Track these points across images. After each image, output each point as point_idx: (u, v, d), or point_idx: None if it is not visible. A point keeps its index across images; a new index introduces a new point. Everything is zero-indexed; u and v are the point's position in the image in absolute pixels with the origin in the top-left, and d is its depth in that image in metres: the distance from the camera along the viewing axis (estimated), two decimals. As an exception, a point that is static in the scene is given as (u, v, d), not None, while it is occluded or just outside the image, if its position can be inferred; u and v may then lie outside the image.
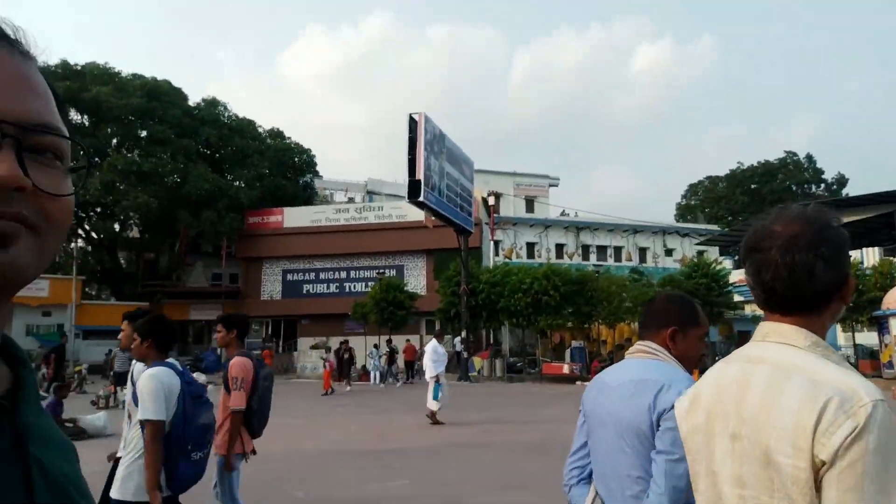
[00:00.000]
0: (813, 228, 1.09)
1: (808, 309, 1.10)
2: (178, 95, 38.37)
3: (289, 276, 37.23)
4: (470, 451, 9.48)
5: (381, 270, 32.75)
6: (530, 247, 43.01)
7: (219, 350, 36.61)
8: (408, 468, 8.21)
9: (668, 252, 44.18)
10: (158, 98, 36.36)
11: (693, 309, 2.09)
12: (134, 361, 3.74)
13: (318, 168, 44.75)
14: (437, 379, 12.50)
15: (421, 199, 21.45)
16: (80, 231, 37.18)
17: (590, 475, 2.12)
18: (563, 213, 48.05)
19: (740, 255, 1.21)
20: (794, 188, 53.08)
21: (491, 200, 31.94)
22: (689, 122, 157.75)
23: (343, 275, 36.35)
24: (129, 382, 3.69)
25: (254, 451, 4.74)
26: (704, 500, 1.15)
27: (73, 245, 35.04)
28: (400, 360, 26.58)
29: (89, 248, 38.58)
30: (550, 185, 51.16)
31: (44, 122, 0.57)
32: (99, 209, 36.27)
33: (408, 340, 27.03)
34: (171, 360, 3.31)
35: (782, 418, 0.99)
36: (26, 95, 0.56)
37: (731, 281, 29.43)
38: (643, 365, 1.99)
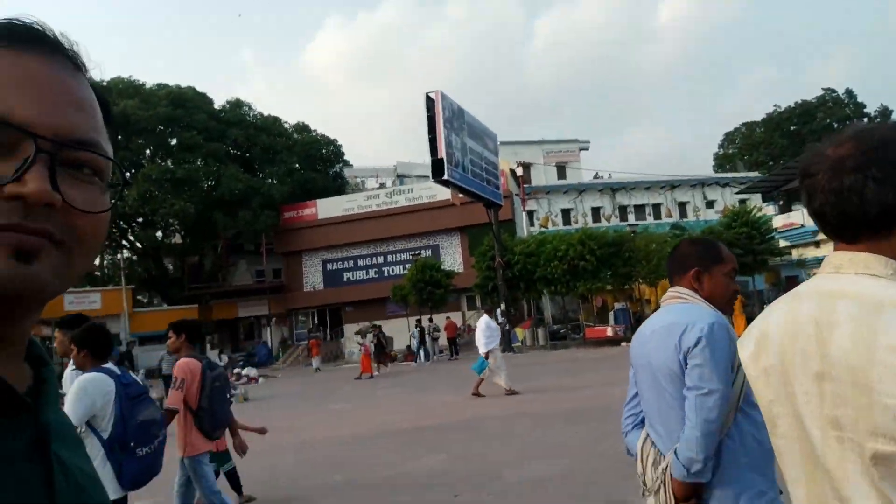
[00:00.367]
0: (863, 148, 1.01)
1: (873, 235, 1.02)
2: (203, 100, 39.05)
3: (328, 266, 37.80)
4: (508, 422, 9.52)
5: (416, 252, 32.93)
6: (566, 214, 42.45)
7: (269, 343, 37.69)
8: (446, 443, 8.30)
9: (709, 204, 42.94)
10: (184, 105, 37.09)
11: (714, 247, 2.13)
12: (67, 370, 3.88)
13: (346, 157, 45.06)
14: (485, 355, 12.47)
15: (445, 177, 21.39)
16: (124, 242, 38.50)
17: (643, 421, 2.22)
18: (596, 177, 47.17)
19: (799, 184, 1.14)
20: (835, 126, 50.80)
21: (519, 171, 31.64)
22: (721, 70, 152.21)
23: (380, 259, 36.71)
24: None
25: (244, 451, 4.92)
26: (787, 442, 1.10)
27: (119, 256, 36.33)
28: (442, 338, 26.78)
29: (135, 257, 39.94)
30: (581, 150, 50.16)
31: (82, 139, 0.56)
32: (140, 219, 37.42)
33: (448, 318, 27.20)
34: (108, 365, 3.42)
35: (886, 358, 0.91)
36: (66, 109, 0.56)
37: (774, 226, 28.53)
38: (671, 310, 2.08)
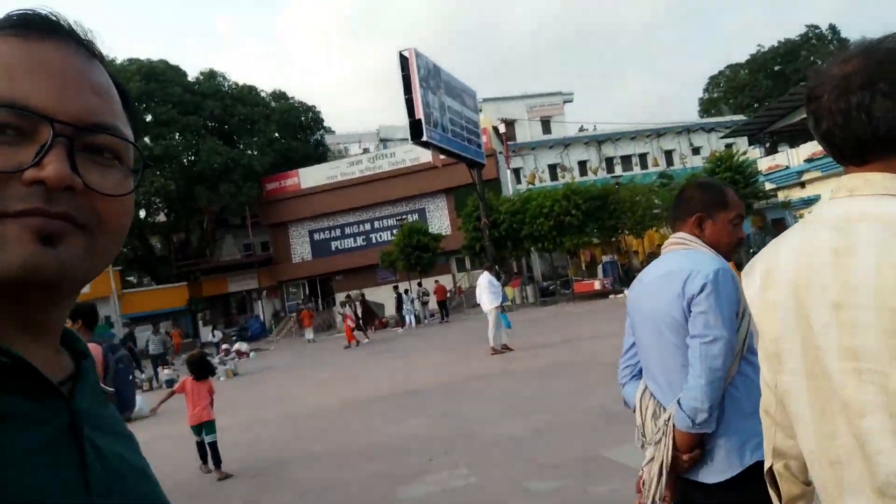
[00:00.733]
0: (870, 63, 0.96)
1: (885, 154, 0.97)
2: (176, 73, 38.07)
3: (315, 236, 37.56)
4: (491, 381, 9.52)
5: (402, 217, 32.70)
6: (552, 169, 42.10)
7: (262, 317, 37.72)
8: (427, 407, 8.28)
9: (696, 150, 42.65)
10: (156, 79, 36.19)
11: (719, 192, 2.03)
12: None
13: (327, 124, 44.36)
14: (501, 309, 12.41)
15: (424, 138, 21.02)
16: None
17: (641, 372, 2.16)
18: (581, 129, 46.68)
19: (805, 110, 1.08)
20: (820, 64, 49.94)
21: (502, 128, 31.22)
22: (703, 13, 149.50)
23: (367, 226, 36.47)
24: None
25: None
26: (795, 379, 1.04)
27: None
28: (432, 301, 26.78)
29: (120, 238, 39.56)
30: (565, 102, 49.39)
31: (101, 123, 0.57)
32: (121, 199, 36.88)
33: (436, 281, 27.16)
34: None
35: None
36: (82, 93, 0.56)
37: (759, 169, 28.37)
38: (675, 257, 1.99)
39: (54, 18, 0.59)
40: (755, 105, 48.96)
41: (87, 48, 0.60)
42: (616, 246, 29.40)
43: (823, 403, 0.98)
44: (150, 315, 31.64)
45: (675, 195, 2.13)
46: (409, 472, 5.40)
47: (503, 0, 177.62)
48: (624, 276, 27.69)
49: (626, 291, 22.50)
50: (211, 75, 39.92)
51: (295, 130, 41.40)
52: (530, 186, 36.01)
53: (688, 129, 43.59)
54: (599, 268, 29.03)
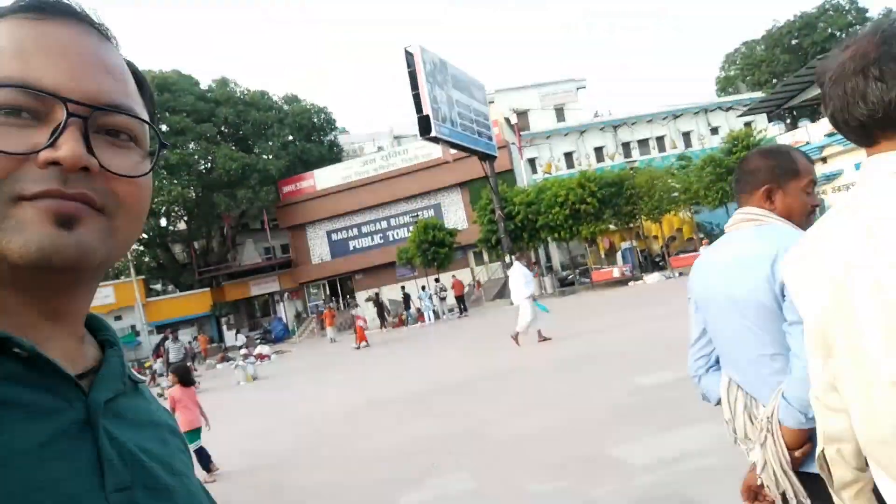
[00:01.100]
0: (866, 48, 0.99)
1: (891, 134, 0.99)
2: (189, 82, 38.49)
3: (333, 237, 37.71)
4: (503, 378, 9.40)
5: (417, 213, 32.64)
6: (568, 157, 41.67)
7: (284, 319, 38.04)
8: (438, 407, 8.20)
9: (714, 130, 41.85)
10: (169, 89, 36.58)
11: (789, 159, 1.84)
12: None
13: (342, 125, 44.53)
14: (533, 298, 12.23)
15: (433, 133, 20.90)
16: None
17: (717, 362, 1.98)
18: (596, 115, 46.11)
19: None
20: (837, 35, 48.68)
21: (513, 119, 30.91)
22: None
23: (384, 224, 36.49)
24: None
25: None
26: (847, 362, 1.01)
27: (125, 248, 36.58)
28: (450, 297, 26.70)
29: (142, 247, 40.22)
30: (578, 89, 48.85)
31: (115, 103, 0.56)
32: (142, 210, 37.44)
33: (454, 276, 27.08)
34: None
35: None
36: (96, 73, 0.56)
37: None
38: (748, 234, 1.81)
39: (66, 2, 0.57)
40: (773, 81, 47.87)
41: (99, 31, 0.59)
42: (636, 232, 28.98)
43: (869, 386, 0.98)
44: (175, 322, 32.15)
45: (739, 164, 1.94)
46: (410, 478, 5.32)
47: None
48: (644, 262, 27.33)
49: (646, 277, 22.00)
50: (223, 82, 40.26)
51: (309, 133, 41.59)
52: (546, 175, 35.65)
53: (705, 109, 42.79)
54: (619, 255, 28.68)
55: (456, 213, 34.55)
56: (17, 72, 0.52)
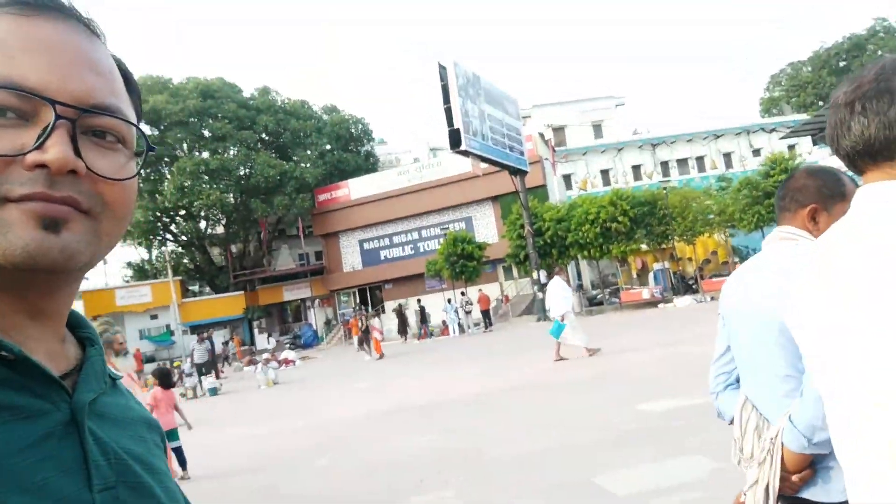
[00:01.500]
0: (858, 83, 1.02)
1: (876, 165, 1.01)
2: (232, 90, 39.53)
3: (365, 246, 38.04)
4: (517, 394, 9.33)
5: (446, 226, 32.71)
6: (605, 174, 41.28)
7: (314, 325, 38.48)
8: (443, 421, 8.16)
9: (756, 152, 40.86)
10: (213, 96, 37.63)
11: (837, 181, 1.80)
12: None
13: (374, 135, 45.02)
14: (561, 318, 12.08)
15: (463, 147, 20.97)
16: (168, 235, 39.80)
17: (737, 381, 1.96)
18: (634, 133, 45.61)
19: None
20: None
21: (548, 134, 30.78)
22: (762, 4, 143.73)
23: (415, 235, 36.67)
24: None
25: None
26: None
27: (163, 249, 37.64)
28: (476, 311, 26.61)
29: (180, 249, 41.27)
30: (617, 106, 48.46)
31: (103, 103, 0.55)
32: (182, 212, 38.51)
33: (480, 290, 27.00)
34: None
35: None
36: (84, 73, 0.55)
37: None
38: (781, 252, 1.78)
39: None
40: (819, 104, 46.62)
41: (87, 27, 0.58)
42: (669, 253, 28.44)
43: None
44: (209, 323, 32.83)
45: (784, 182, 1.90)
46: (399, 490, 5.31)
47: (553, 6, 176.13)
48: (676, 284, 26.76)
49: (676, 300, 21.49)
50: (265, 91, 41.21)
51: (346, 142, 42.21)
52: (581, 192, 35.34)
53: (747, 130, 41.90)
54: (650, 275, 28.17)
55: (487, 227, 34.49)
56: (2, 71, 0.51)
